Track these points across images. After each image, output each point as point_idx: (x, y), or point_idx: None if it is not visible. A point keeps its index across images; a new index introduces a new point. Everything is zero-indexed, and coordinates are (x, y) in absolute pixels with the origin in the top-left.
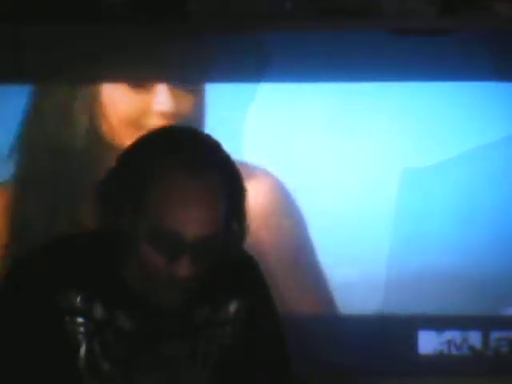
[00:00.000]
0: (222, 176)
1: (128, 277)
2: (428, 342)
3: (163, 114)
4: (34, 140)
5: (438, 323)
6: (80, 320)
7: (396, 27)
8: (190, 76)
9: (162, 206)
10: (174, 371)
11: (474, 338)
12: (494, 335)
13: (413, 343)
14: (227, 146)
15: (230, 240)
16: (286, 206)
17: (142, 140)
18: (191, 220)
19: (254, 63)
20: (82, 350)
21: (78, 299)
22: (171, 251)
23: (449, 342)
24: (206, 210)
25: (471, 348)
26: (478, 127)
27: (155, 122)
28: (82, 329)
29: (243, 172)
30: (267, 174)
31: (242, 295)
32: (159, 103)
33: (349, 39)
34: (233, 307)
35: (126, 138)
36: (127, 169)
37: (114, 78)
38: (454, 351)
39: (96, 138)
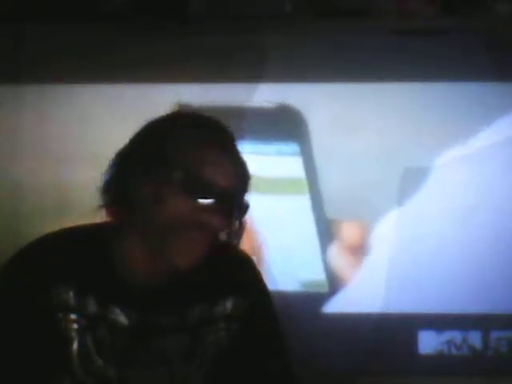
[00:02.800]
0: (238, 161)
1: (126, 268)
2: (428, 342)
3: None
4: None
5: (438, 323)
6: (73, 316)
7: (396, 27)
8: (191, 76)
9: (198, 153)
10: (168, 368)
11: (474, 338)
12: (494, 335)
13: (413, 343)
14: None
15: (232, 231)
16: None
17: (159, 118)
18: (226, 171)
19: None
20: (76, 346)
21: (71, 295)
22: (205, 199)
23: (449, 342)
24: (238, 166)
25: (471, 348)
26: (478, 127)
27: None
28: (75, 325)
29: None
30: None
31: (240, 294)
32: None
33: (349, 39)
34: (230, 305)
35: None
36: (147, 136)
37: (114, 77)
38: (453, 351)
39: None
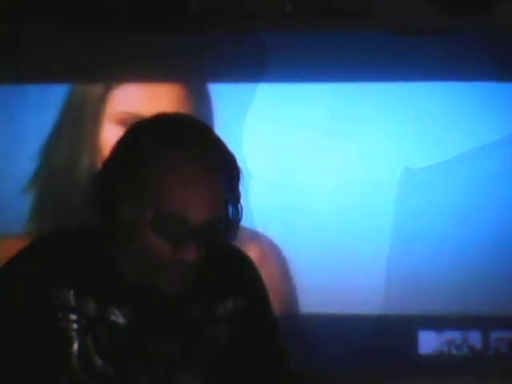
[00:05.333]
0: (220, 157)
1: (126, 267)
2: (428, 342)
3: None
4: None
5: (438, 323)
6: (73, 317)
7: (396, 27)
8: (190, 76)
9: (166, 192)
10: (167, 368)
11: (474, 338)
12: (494, 335)
13: (413, 343)
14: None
15: (228, 222)
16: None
17: (137, 128)
18: (197, 204)
19: (254, 63)
20: (75, 346)
21: (71, 295)
22: (178, 237)
23: (449, 342)
24: (210, 194)
25: (471, 348)
26: (478, 127)
27: None
28: (75, 325)
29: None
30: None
31: (240, 294)
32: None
33: (349, 39)
34: (229, 305)
35: None
36: (125, 158)
37: (115, 77)
38: (454, 351)
39: None
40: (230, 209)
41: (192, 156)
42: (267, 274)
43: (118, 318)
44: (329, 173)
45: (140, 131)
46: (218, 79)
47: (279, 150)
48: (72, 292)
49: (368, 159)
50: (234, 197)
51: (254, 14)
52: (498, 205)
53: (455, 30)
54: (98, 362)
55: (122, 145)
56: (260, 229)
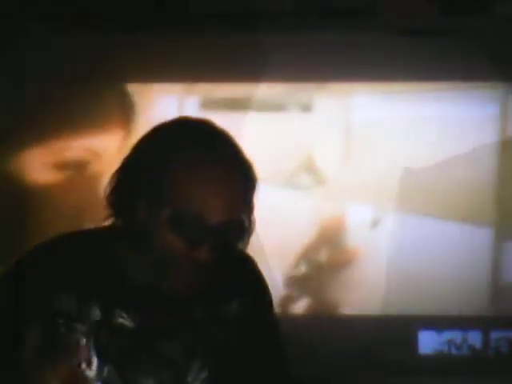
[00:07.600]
0: (239, 164)
1: (133, 268)
2: (428, 342)
3: None
4: None
5: (438, 323)
6: (76, 322)
7: (396, 27)
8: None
9: (184, 190)
10: (173, 370)
11: (474, 338)
12: (494, 335)
13: (413, 343)
14: None
15: (241, 231)
16: None
17: (160, 128)
18: (214, 204)
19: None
20: (79, 352)
21: (74, 301)
22: (192, 236)
23: (449, 342)
24: (229, 196)
25: (471, 348)
26: (477, 127)
27: None
28: (78, 331)
29: None
30: None
31: (243, 294)
32: None
33: (349, 39)
34: (234, 306)
35: None
36: (146, 155)
37: (115, 78)
38: (453, 351)
39: None
40: (244, 218)
41: (213, 157)
42: None
43: (126, 320)
44: (329, 172)
45: (162, 131)
46: (218, 79)
47: (280, 149)
48: (75, 298)
49: (368, 159)
50: (249, 206)
51: (254, 13)
52: (497, 204)
53: (455, 30)
54: (103, 367)
55: (143, 143)
56: None
